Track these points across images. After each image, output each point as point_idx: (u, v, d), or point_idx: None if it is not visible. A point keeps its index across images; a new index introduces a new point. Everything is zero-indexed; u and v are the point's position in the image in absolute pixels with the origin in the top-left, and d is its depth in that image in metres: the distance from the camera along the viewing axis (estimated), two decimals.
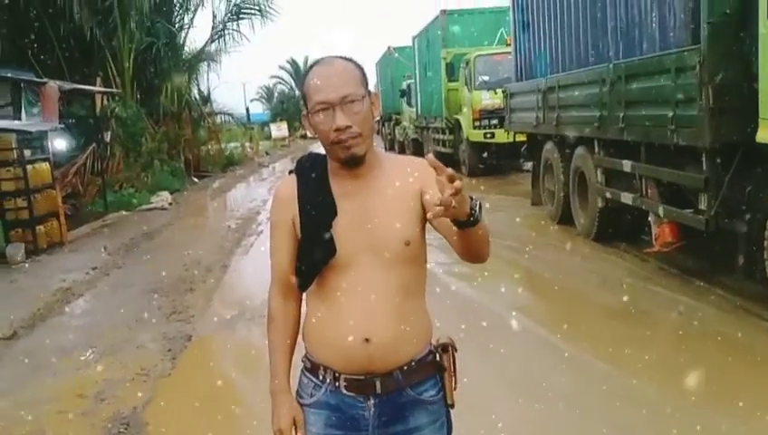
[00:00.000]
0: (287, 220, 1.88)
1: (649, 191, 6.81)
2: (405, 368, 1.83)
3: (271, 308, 1.96)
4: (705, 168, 5.59)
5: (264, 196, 15.83)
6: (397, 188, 1.82)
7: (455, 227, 1.62)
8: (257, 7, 21.80)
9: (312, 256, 1.83)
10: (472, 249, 1.73)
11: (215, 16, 22.10)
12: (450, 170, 1.47)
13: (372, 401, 1.83)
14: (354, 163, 1.79)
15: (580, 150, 8.55)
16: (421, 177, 1.79)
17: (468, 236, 1.65)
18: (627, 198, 7.22)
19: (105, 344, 5.78)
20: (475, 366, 4.32)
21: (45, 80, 12.77)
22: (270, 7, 21.74)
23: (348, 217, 1.81)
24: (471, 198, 1.57)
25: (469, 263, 1.83)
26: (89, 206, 13.76)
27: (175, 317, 6.46)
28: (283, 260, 1.91)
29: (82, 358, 5.51)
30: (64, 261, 9.48)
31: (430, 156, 1.53)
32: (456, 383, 1.92)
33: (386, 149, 28.63)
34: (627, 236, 7.91)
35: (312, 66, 1.83)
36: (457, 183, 1.46)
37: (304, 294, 1.94)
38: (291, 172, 1.94)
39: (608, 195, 7.75)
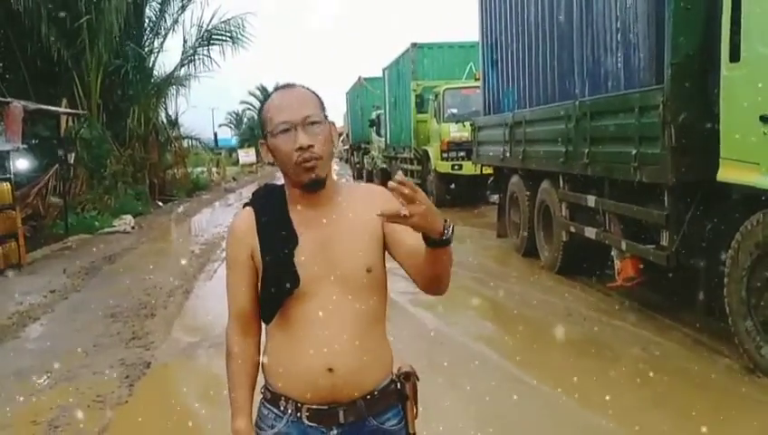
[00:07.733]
0: (245, 255, 1.84)
1: (612, 226, 6.90)
2: (368, 397, 1.82)
3: (229, 344, 1.90)
4: (666, 205, 5.69)
5: (228, 221, 15.68)
6: (357, 216, 1.82)
7: (424, 247, 1.62)
8: (229, 34, 21.84)
9: (276, 288, 1.79)
10: (434, 275, 1.73)
11: (185, 41, 22.13)
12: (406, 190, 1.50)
13: (335, 431, 1.81)
14: (316, 187, 1.78)
15: (545, 184, 8.66)
16: (381, 204, 1.77)
17: (435, 258, 1.65)
18: (590, 232, 7.31)
19: (61, 370, 5.64)
20: (439, 398, 4.31)
21: (9, 99, 12.56)
22: (241, 35, 21.79)
23: (309, 246, 1.79)
24: (445, 220, 1.58)
25: (429, 293, 1.81)
26: (50, 228, 13.49)
27: (134, 343, 6.33)
28: (242, 296, 1.87)
29: (38, 383, 5.36)
30: (22, 283, 9.26)
31: (399, 173, 1.54)
32: (417, 412, 1.91)
33: (354, 177, 28.72)
34: (590, 269, 7.99)
35: (271, 93, 1.86)
36: (420, 195, 1.50)
37: (264, 329, 1.90)
38: (245, 205, 1.91)
39: (572, 229, 7.85)
